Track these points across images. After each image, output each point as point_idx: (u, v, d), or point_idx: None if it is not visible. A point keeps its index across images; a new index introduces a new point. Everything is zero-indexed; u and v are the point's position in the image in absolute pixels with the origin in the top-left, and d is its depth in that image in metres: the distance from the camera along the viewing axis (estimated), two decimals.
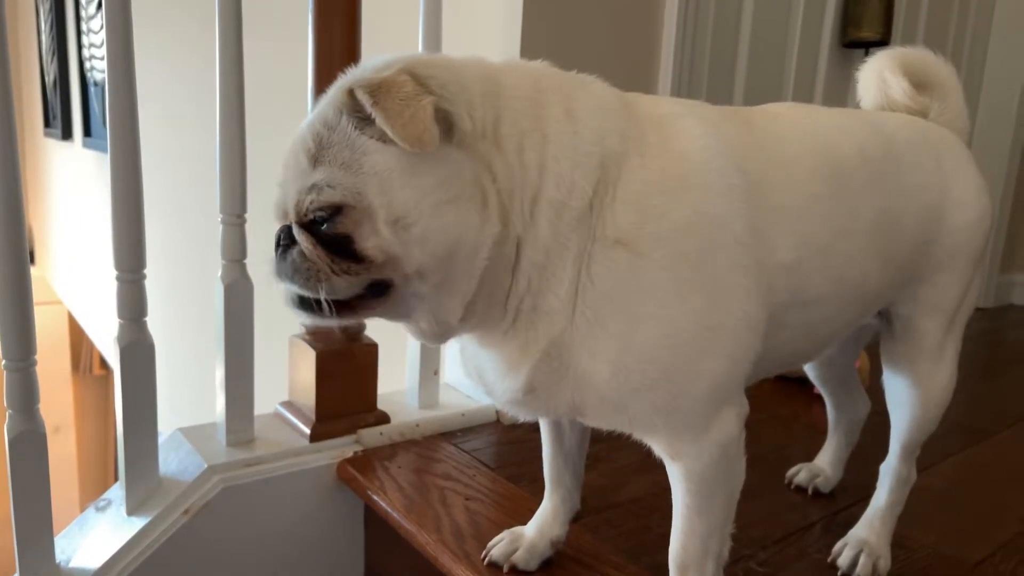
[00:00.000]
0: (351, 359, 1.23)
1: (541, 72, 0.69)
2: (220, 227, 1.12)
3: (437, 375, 1.37)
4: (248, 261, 1.14)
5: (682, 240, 0.65)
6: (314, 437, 1.19)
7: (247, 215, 1.13)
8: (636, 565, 0.93)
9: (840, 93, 2.03)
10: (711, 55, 1.55)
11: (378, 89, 0.59)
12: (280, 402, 1.29)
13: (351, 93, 0.61)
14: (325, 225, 0.62)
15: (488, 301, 0.66)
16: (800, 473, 1.18)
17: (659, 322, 0.64)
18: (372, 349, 1.25)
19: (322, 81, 1.16)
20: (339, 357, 1.22)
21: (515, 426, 1.35)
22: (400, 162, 0.60)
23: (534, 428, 1.33)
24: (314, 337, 1.22)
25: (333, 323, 0.65)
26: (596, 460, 1.20)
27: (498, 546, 0.92)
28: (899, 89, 0.96)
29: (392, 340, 1.33)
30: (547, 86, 0.67)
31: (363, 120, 0.61)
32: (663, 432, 0.69)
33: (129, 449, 1.06)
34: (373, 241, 0.61)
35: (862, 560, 0.94)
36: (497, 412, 1.36)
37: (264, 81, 1.96)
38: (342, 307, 0.65)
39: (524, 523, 1.00)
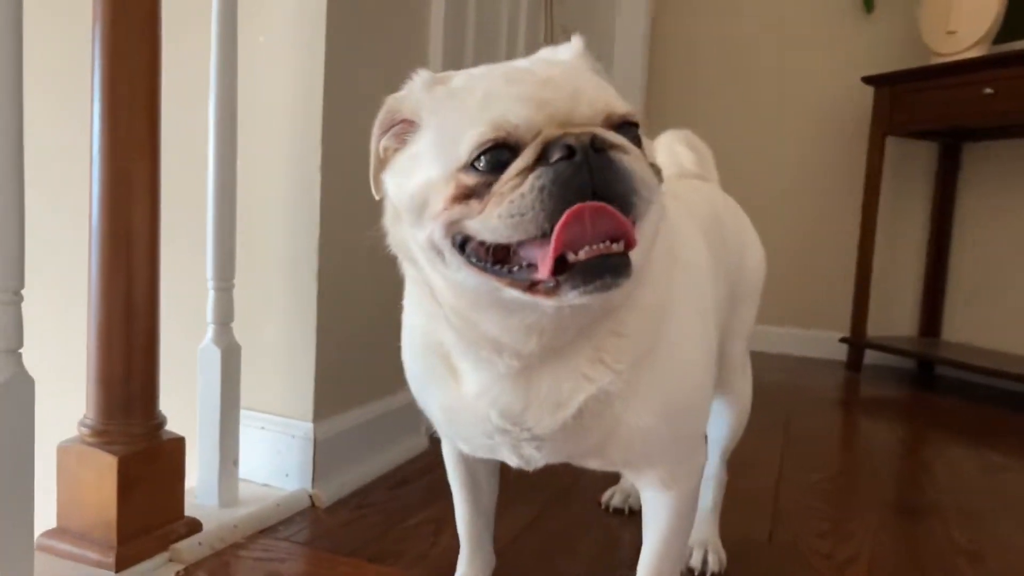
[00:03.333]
0: (157, 460, 1.01)
1: None
2: None
3: (236, 466, 1.19)
4: (24, 351, 0.88)
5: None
6: (120, 564, 0.95)
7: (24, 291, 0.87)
8: None
9: None
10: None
11: None
12: (43, 532, 0.99)
13: None
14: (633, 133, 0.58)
15: None
16: (614, 496, 1.30)
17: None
18: (179, 444, 1.05)
19: (115, 121, 0.96)
20: (143, 459, 0.99)
21: (333, 507, 1.24)
22: None
23: (357, 506, 1.26)
24: (104, 437, 0.98)
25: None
26: (441, 521, 1.17)
27: None
28: (688, 159, 1.18)
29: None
30: None
31: None
32: (669, 463, 0.74)
33: None
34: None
35: (710, 557, 1.09)
36: (311, 496, 1.23)
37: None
38: None
39: None
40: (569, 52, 0.67)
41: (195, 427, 1.16)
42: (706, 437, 0.82)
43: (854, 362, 2.77)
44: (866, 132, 2.73)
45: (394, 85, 0.66)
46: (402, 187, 0.62)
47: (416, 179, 0.60)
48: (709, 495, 1.14)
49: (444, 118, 0.60)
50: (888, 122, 2.62)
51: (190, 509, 1.09)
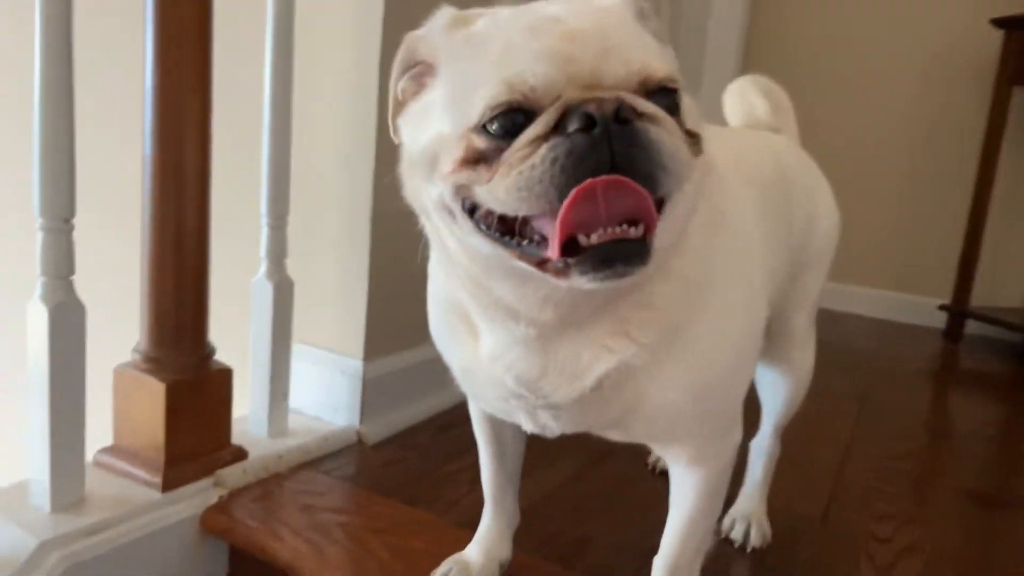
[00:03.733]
0: (204, 389, 1.04)
1: None
2: (39, 235, 0.88)
3: (287, 398, 1.21)
4: (75, 278, 0.91)
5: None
6: (167, 485, 0.99)
7: (75, 219, 0.90)
8: (574, 572, 0.93)
9: None
10: None
11: None
12: (100, 449, 1.04)
13: None
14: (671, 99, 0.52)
15: None
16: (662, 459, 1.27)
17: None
18: (227, 375, 1.07)
19: (166, 52, 0.96)
20: (191, 387, 1.02)
21: (379, 445, 1.25)
22: None
23: (403, 446, 1.27)
24: (156, 364, 1.01)
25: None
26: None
27: None
28: (763, 108, 1.08)
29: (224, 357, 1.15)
30: None
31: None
32: (696, 440, 0.70)
33: None
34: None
35: (753, 531, 1.04)
36: (359, 432, 1.25)
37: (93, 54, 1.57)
38: None
39: (449, 549, 0.94)
40: None
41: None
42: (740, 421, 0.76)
43: (953, 332, 2.58)
44: (990, 81, 2.47)
45: None
46: (415, 139, 0.57)
47: (428, 132, 0.55)
48: (759, 467, 1.09)
49: (460, 68, 0.54)
50: (1017, 70, 2.36)
51: (240, 438, 1.12)
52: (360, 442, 1.25)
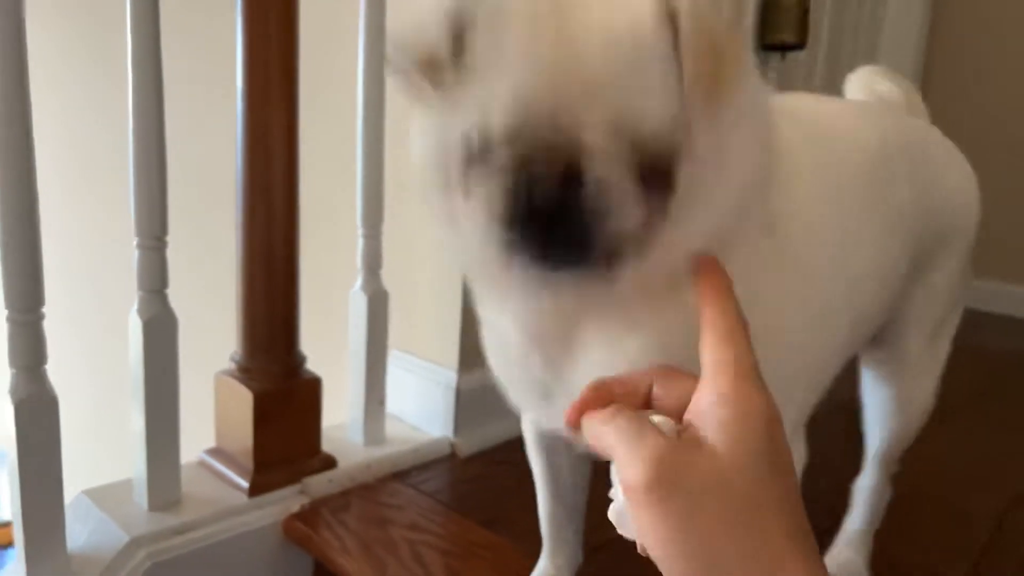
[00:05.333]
0: (292, 397, 1.08)
1: None
2: (135, 252, 0.94)
3: (383, 405, 1.23)
4: (169, 291, 0.97)
5: None
6: (254, 490, 1.03)
7: (168, 237, 0.95)
8: None
9: None
10: None
11: None
12: (205, 449, 1.11)
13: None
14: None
15: None
16: None
17: None
18: (315, 384, 1.10)
19: (255, 74, 1.00)
20: (279, 396, 1.06)
21: (471, 459, 1.24)
22: None
23: (495, 461, 1.24)
24: (247, 373, 1.06)
25: None
26: None
27: None
28: (894, 93, 0.93)
29: (328, 367, 1.18)
30: None
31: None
32: None
33: (29, 522, 0.87)
34: None
35: None
36: (452, 444, 1.24)
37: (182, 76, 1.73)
38: None
39: None
40: None
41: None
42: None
43: None
44: None
45: None
46: None
47: None
48: (859, 509, 0.94)
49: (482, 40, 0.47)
50: None
51: (335, 444, 1.15)
52: (453, 454, 1.24)
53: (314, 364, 1.13)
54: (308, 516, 1.03)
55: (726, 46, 0.46)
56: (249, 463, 1.05)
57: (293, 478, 1.07)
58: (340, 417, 1.23)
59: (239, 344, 1.07)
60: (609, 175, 0.44)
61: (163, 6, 0.91)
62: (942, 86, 2.50)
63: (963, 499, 1.19)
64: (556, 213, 0.44)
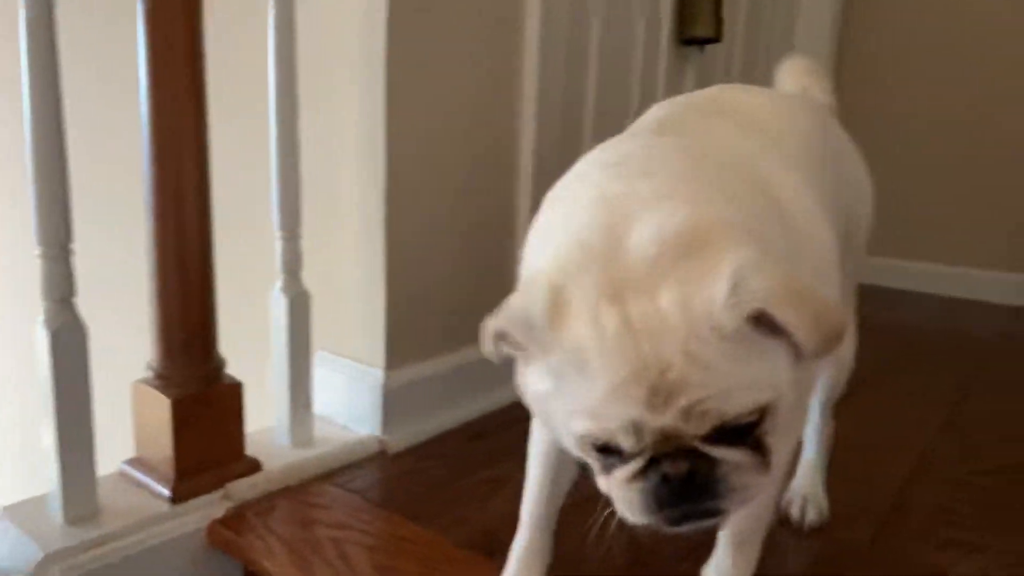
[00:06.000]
0: (213, 402, 1.07)
1: None
2: (39, 262, 0.92)
3: (309, 407, 1.23)
4: (88, 299, 0.95)
5: None
6: (176, 498, 1.02)
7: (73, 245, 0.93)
8: None
9: (677, 86, 2.09)
10: (567, 59, 1.53)
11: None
12: (125, 460, 1.09)
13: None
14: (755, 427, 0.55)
15: None
16: None
17: None
18: (236, 389, 1.09)
19: (159, 76, 0.98)
20: (198, 402, 1.05)
21: (401, 455, 1.24)
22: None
23: (426, 456, 1.25)
24: (164, 380, 1.05)
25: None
26: (500, 482, 1.13)
27: None
28: (819, 89, 1.01)
29: (250, 369, 1.17)
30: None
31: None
32: None
33: None
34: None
35: (810, 509, 1.04)
36: (381, 442, 1.25)
37: (91, 78, 1.69)
38: None
39: (439, 571, 0.91)
40: (717, 294, 0.52)
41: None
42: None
43: None
44: None
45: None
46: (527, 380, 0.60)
47: (539, 385, 0.58)
48: (812, 446, 1.08)
49: (559, 371, 0.55)
50: None
51: (262, 448, 1.14)
52: (383, 452, 1.24)
53: (239, 369, 1.12)
54: (232, 521, 1.02)
55: (825, 310, 0.53)
56: (170, 471, 1.03)
57: (216, 484, 1.06)
58: (267, 421, 1.22)
59: (154, 351, 1.06)
60: (723, 456, 0.54)
61: (65, 8, 0.89)
62: (854, 74, 2.60)
63: (867, 467, 1.24)
64: (684, 496, 0.55)
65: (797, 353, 0.54)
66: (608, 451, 0.55)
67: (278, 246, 1.16)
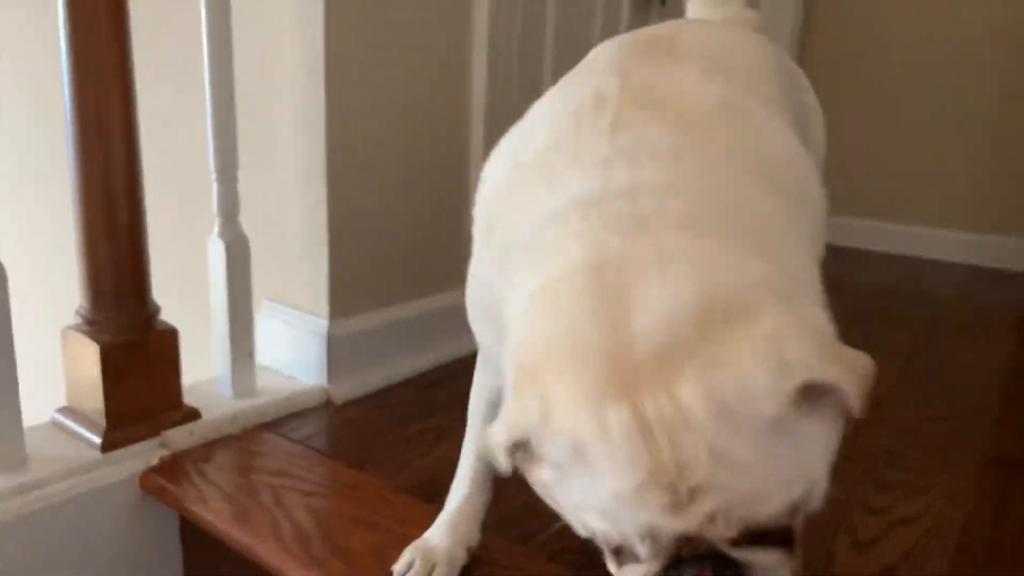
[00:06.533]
0: (145, 349, 1.03)
1: None
2: None
3: (252, 357, 1.20)
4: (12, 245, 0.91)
5: None
6: (107, 446, 0.99)
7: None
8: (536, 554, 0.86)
9: None
10: (522, 18, 1.49)
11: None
12: (58, 408, 1.06)
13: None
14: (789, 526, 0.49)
15: None
16: None
17: None
18: (171, 336, 1.06)
19: (78, 6, 0.93)
20: (129, 349, 1.01)
21: (346, 405, 1.22)
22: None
23: (372, 406, 1.23)
24: (94, 326, 1.01)
25: None
26: (445, 430, 1.12)
27: (411, 572, 0.78)
28: (741, 15, 0.96)
29: (192, 319, 1.14)
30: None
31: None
32: None
33: None
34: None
35: None
36: (326, 392, 1.22)
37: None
38: None
39: (375, 513, 0.89)
40: (755, 379, 0.44)
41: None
42: None
43: None
44: None
45: None
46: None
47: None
48: None
49: (565, 473, 0.49)
50: None
51: (202, 399, 1.11)
52: (328, 402, 1.22)
53: (183, 319, 1.09)
54: (167, 469, 1.00)
55: (854, 355, 0.46)
56: (102, 420, 1.00)
57: (151, 433, 1.03)
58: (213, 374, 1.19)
59: (83, 296, 1.02)
60: (749, 560, 0.47)
61: None
62: (822, 36, 2.58)
63: None
64: None
65: (843, 416, 0.47)
66: (622, 551, 0.50)
67: (214, 189, 1.12)
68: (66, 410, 1.05)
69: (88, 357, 1.00)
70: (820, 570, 0.85)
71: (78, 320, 1.03)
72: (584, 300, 0.48)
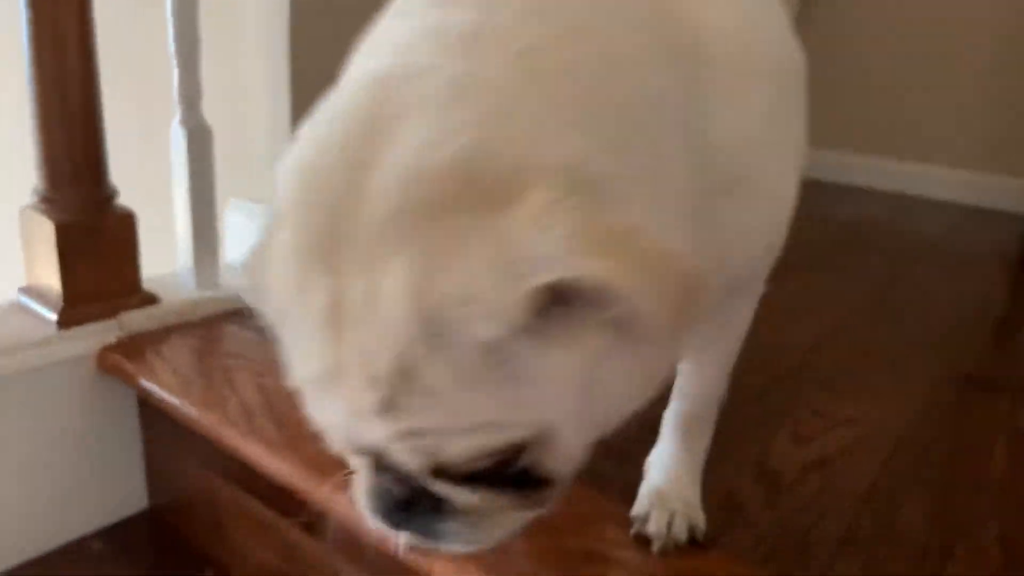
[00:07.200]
0: (102, 231, 1.03)
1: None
2: None
3: (216, 252, 1.20)
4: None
5: None
6: (64, 322, 1.00)
7: None
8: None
9: None
10: None
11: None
12: (20, 287, 1.07)
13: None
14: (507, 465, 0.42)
15: None
16: None
17: None
18: (128, 219, 1.06)
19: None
20: (85, 229, 1.01)
21: None
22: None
23: None
24: (52, 205, 1.01)
25: None
26: None
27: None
28: None
29: (164, 217, 1.14)
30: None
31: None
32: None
33: None
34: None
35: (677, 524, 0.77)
36: None
37: None
38: None
39: None
40: (474, 280, 0.35)
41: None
42: None
43: None
44: None
45: None
46: None
47: None
48: (676, 437, 0.90)
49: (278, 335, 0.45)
50: None
51: (162, 288, 1.12)
52: None
53: (151, 215, 1.08)
54: (124, 347, 1.01)
55: (665, 257, 0.35)
56: (59, 299, 1.01)
57: (108, 314, 1.04)
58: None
59: (40, 175, 1.02)
60: (447, 495, 0.43)
61: None
62: None
63: (777, 332, 1.23)
64: (412, 518, 0.45)
65: (626, 332, 0.36)
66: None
67: (175, 75, 1.10)
68: (26, 289, 1.06)
69: (44, 235, 1.00)
70: (752, 458, 0.85)
71: (35, 199, 1.02)
72: (353, 118, 0.39)
